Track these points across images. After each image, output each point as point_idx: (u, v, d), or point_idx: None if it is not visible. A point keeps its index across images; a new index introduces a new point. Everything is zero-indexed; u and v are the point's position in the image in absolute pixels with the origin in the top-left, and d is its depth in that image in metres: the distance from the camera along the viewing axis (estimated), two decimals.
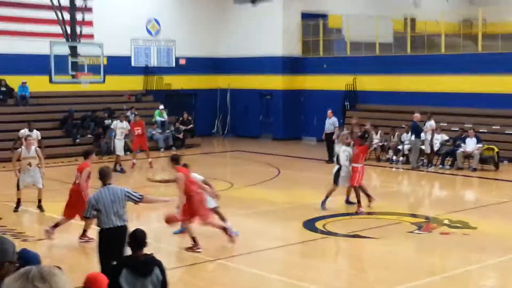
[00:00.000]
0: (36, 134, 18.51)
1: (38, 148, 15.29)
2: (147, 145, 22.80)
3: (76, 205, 12.07)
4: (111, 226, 8.61)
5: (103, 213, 8.60)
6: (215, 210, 12.40)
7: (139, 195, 8.95)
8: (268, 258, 11.79)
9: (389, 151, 23.24)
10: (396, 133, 23.40)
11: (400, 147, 22.86)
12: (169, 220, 11.69)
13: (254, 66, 30.49)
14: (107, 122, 25.69)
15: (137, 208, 15.90)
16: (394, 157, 22.84)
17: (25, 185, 14.78)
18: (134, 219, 15.21)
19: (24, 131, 18.56)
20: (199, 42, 31.23)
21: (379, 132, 23.86)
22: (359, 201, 14.90)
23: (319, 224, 13.79)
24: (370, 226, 13.55)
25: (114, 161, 20.99)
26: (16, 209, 14.91)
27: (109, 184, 8.86)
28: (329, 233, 13.17)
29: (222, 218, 12.45)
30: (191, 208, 11.54)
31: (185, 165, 12.17)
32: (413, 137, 21.67)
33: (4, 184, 18.35)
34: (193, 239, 11.60)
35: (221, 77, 31.96)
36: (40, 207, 14.90)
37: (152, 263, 5.88)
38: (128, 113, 26.66)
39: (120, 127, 21.20)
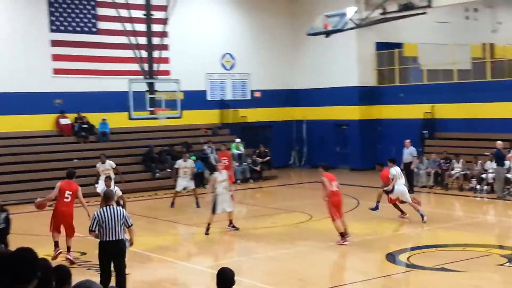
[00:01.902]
0: (109, 164, 18.83)
1: (227, 171, 16.52)
2: (233, 177, 22.81)
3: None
4: (109, 239, 10.11)
5: (104, 228, 10.08)
6: None
7: (131, 223, 10.47)
8: None
9: (472, 180, 22.50)
10: (479, 161, 22.67)
11: (484, 175, 22.12)
12: (39, 206, 13.64)
13: (329, 97, 30.36)
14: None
15: (217, 245, 15.92)
16: (478, 186, 22.10)
17: (222, 209, 16.02)
18: (215, 253, 15.22)
19: (99, 165, 18.91)
20: (273, 75, 31.38)
21: (461, 160, 23.20)
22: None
23: (403, 257, 13.39)
24: (457, 259, 13.03)
25: (193, 195, 20.89)
26: (207, 232, 15.98)
27: (111, 205, 10.40)
28: (414, 266, 12.73)
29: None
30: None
31: None
32: (496, 166, 20.96)
33: (86, 219, 18.69)
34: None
35: (296, 109, 31.95)
36: (233, 226, 16.39)
37: None
38: (205, 147, 26.95)
39: (183, 166, 21.10)
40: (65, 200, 13.47)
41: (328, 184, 14.45)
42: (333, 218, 14.63)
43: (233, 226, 16.43)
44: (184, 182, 20.46)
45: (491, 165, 21.73)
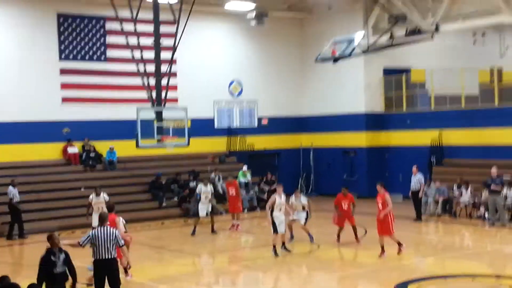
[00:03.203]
0: (103, 197, 18.69)
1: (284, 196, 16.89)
2: (241, 207, 22.79)
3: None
4: (102, 258, 10.68)
5: (97, 246, 10.65)
6: None
7: (122, 243, 10.99)
8: None
9: (481, 207, 22.28)
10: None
11: None
12: None
13: (336, 124, 30.32)
14: (192, 184, 25.88)
15: (224, 275, 15.80)
16: (487, 214, 21.87)
17: (279, 231, 16.50)
18: (222, 283, 15.08)
19: (92, 197, 18.75)
20: (281, 102, 31.40)
21: (469, 188, 22.99)
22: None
23: (412, 287, 13.23)
24: None
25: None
26: (276, 254, 16.42)
27: (105, 225, 10.93)
28: None
29: None
30: None
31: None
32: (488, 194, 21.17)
33: None
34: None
35: (303, 136, 31.91)
36: (286, 248, 16.89)
37: None
38: (212, 175, 26.86)
39: (204, 191, 21.12)
40: None
41: (390, 200, 15.87)
42: (393, 231, 16.02)
43: (285, 248, 16.89)
44: (205, 206, 20.67)
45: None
